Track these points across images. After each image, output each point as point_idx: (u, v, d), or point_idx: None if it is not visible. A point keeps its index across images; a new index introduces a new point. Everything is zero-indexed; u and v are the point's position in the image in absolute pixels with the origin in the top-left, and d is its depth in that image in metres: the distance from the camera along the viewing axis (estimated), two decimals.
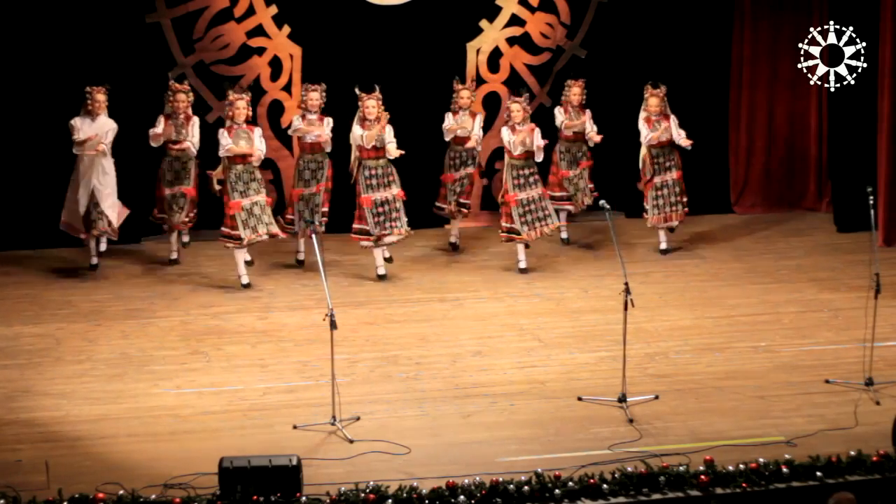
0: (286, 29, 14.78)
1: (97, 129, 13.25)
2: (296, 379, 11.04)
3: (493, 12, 15.19)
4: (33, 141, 14.20)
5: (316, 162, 13.71)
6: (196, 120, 13.73)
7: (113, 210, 13.44)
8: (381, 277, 13.47)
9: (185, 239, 14.31)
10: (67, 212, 13.55)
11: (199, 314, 12.56)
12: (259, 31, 14.75)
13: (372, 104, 13.36)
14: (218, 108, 14.51)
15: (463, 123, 14.06)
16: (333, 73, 14.32)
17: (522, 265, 13.72)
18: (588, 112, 14.32)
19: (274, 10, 14.72)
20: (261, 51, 14.79)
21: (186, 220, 13.80)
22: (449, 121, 14.13)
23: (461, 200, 14.30)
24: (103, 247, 13.91)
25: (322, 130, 13.60)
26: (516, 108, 13.60)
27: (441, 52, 15.01)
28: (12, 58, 14.07)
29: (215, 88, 14.56)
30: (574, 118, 14.27)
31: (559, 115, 14.35)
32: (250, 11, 14.70)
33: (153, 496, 8.87)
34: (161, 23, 14.52)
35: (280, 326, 12.25)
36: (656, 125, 14.02)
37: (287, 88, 14.88)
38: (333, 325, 9.89)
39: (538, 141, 13.52)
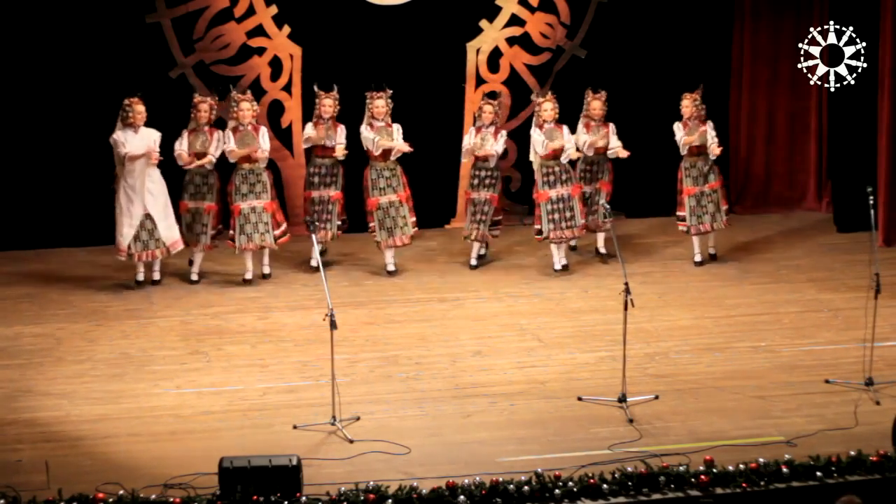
0: (286, 29, 14.79)
1: (143, 141, 12.93)
2: (296, 379, 11.04)
3: (493, 12, 15.20)
4: (33, 141, 14.20)
5: (326, 167, 13.66)
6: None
7: (171, 231, 13.06)
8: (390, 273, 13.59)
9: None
10: (119, 227, 13.03)
11: (199, 314, 12.56)
12: (259, 31, 14.76)
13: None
14: (219, 108, 14.50)
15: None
16: (333, 73, 14.33)
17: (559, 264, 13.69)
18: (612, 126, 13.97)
19: (274, 10, 14.73)
20: (261, 51, 14.80)
21: (213, 233, 13.38)
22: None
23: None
24: (156, 271, 13.41)
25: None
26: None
27: (441, 52, 15.02)
28: (12, 58, 14.07)
29: (215, 88, 14.56)
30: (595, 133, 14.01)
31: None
32: (250, 11, 14.70)
33: (153, 496, 8.86)
34: (161, 23, 14.52)
35: (280, 326, 12.25)
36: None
37: (287, 88, 14.89)
38: (333, 325, 9.89)
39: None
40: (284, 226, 13.56)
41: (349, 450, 9.66)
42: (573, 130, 13.70)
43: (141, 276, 13.25)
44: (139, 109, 12.96)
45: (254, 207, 13.22)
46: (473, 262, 13.84)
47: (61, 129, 14.11)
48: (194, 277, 13.37)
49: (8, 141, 14.19)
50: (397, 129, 13.50)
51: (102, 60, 14.14)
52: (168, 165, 13.22)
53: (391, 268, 13.59)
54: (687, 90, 13.88)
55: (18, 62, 14.10)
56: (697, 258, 13.94)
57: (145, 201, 13.00)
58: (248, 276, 13.37)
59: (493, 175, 13.65)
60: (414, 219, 13.66)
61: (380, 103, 13.36)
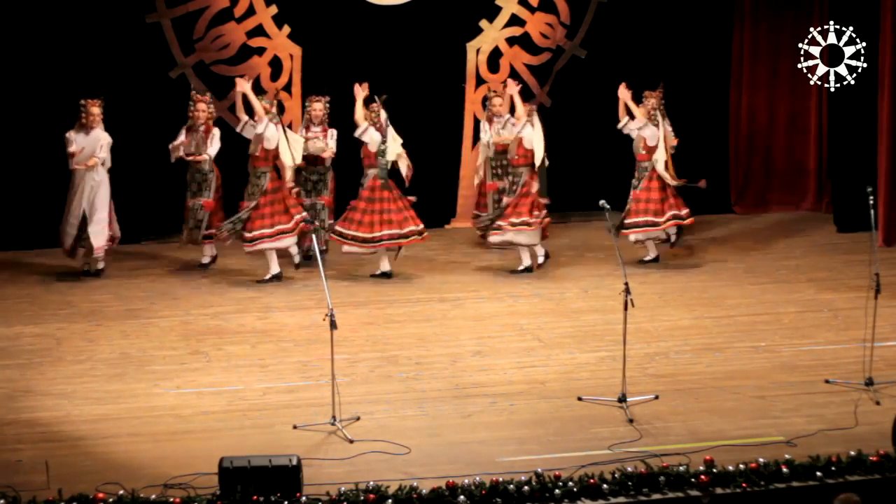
0: (286, 29, 14.80)
1: (90, 143, 13.19)
2: (296, 379, 11.04)
3: (493, 12, 15.21)
4: (33, 141, 14.21)
5: (318, 174, 13.72)
6: (216, 132, 13.55)
7: (101, 236, 13.28)
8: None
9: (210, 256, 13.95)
10: (63, 224, 13.40)
11: (199, 314, 12.56)
12: (259, 31, 14.78)
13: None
14: (218, 108, 14.52)
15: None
16: (333, 73, 14.34)
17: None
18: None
19: (274, 10, 14.74)
20: (261, 51, 14.81)
21: (206, 233, 13.59)
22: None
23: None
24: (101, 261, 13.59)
25: (326, 143, 13.63)
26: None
27: (441, 52, 15.03)
28: (12, 58, 14.09)
29: (215, 88, 14.58)
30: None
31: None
32: (250, 11, 14.72)
33: (153, 496, 8.85)
34: (161, 23, 14.54)
35: (280, 326, 12.25)
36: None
37: (287, 88, 14.90)
38: (333, 325, 9.88)
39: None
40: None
41: (349, 450, 9.65)
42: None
43: (101, 264, 13.54)
44: (93, 112, 13.23)
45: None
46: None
47: (62, 130, 14.09)
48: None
49: (8, 141, 14.20)
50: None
51: (102, 60, 14.14)
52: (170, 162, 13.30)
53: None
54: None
55: (19, 63, 14.11)
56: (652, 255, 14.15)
57: (84, 201, 13.21)
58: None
59: None
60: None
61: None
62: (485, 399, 10.58)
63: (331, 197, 13.85)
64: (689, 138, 14.07)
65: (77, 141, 13.22)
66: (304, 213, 13.30)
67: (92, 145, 13.21)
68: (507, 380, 10.99)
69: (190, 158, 13.43)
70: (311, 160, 13.64)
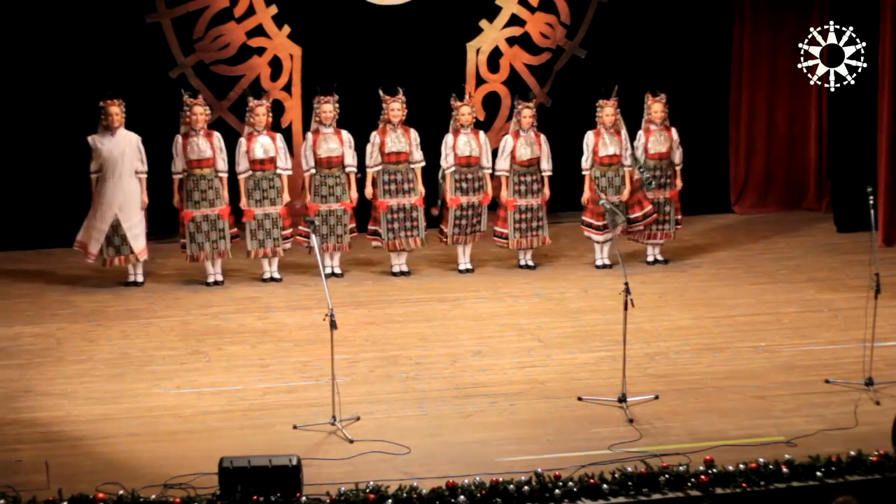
0: (286, 29, 14.80)
1: (117, 144, 12.87)
2: (296, 379, 11.04)
3: (493, 12, 15.21)
4: (33, 141, 14.22)
5: (333, 178, 13.51)
6: (218, 135, 13.28)
7: (139, 240, 13.10)
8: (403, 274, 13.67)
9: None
10: (85, 231, 13.12)
11: (199, 314, 12.56)
12: (259, 31, 14.78)
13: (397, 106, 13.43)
14: (218, 108, 14.54)
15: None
16: (333, 74, 14.33)
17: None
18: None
19: (274, 10, 14.75)
20: (261, 51, 14.81)
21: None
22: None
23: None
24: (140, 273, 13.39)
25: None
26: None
27: (441, 52, 15.03)
28: (12, 58, 14.09)
29: (215, 88, 14.58)
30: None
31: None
32: (250, 11, 14.72)
33: (153, 496, 8.86)
34: (161, 23, 14.54)
35: (280, 326, 12.26)
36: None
37: (287, 88, 14.90)
38: (333, 325, 9.89)
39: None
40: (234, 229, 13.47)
41: (349, 450, 9.66)
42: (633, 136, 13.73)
43: (140, 277, 13.33)
44: (113, 111, 12.91)
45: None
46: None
47: (61, 130, 14.12)
48: (336, 270, 13.63)
49: (8, 141, 14.20)
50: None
51: (102, 60, 14.14)
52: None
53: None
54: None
55: (19, 63, 14.11)
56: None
57: (120, 206, 12.99)
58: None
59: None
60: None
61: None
62: (485, 399, 10.59)
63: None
64: (689, 138, 14.06)
65: (104, 145, 12.90)
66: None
67: (120, 146, 12.94)
68: (507, 380, 11.00)
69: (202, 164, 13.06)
70: (324, 163, 13.46)
